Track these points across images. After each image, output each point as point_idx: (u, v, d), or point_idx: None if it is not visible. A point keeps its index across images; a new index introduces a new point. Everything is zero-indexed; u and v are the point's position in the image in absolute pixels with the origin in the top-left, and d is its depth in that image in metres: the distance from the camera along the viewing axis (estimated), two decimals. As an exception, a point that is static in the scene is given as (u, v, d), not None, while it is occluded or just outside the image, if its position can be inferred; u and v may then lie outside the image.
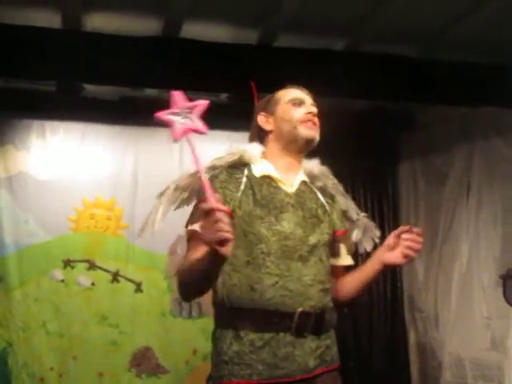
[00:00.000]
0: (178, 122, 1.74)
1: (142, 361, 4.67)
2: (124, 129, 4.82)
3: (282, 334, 1.96)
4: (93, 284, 4.66)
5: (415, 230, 2.04)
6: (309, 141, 2.14)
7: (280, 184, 2.10)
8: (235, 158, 2.12)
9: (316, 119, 2.17)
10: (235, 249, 1.93)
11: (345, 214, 2.30)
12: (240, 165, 2.13)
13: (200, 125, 1.76)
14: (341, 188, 2.32)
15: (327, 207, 2.18)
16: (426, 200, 5.09)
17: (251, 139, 2.22)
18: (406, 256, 2.03)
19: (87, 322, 4.60)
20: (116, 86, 4.12)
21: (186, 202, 2.14)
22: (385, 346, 5.06)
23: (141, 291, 4.74)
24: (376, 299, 5.09)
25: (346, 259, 2.24)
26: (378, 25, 3.60)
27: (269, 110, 2.20)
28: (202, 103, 1.78)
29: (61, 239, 4.65)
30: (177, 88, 4.28)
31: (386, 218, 5.24)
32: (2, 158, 4.60)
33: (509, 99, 3.89)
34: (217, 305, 2.07)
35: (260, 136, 2.20)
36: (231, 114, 4.31)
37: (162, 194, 2.13)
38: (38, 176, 4.67)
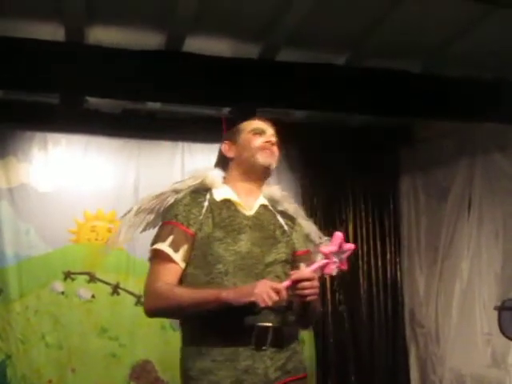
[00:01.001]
0: (335, 259, 2.08)
1: (142, 374, 4.65)
2: (126, 141, 4.83)
3: (241, 349, 2.05)
4: (93, 296, 4.65)
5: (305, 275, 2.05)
6: (265, 168, 2.27)
7: (239, 207, 2.23)
8: (197, 182, 2.28)
9: (275, 148, 2.31)
10: (196, 269, 2.13)
11: (307, 237, 2.45)
12: (202, 189, 2.27)
13: (346, 265, 2.13)
14: (302, 212, 2.51)
15: (286, 228, 2.31)
16: (427, 215, 5.09)
17: (216, 166, 2.38)
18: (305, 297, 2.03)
19: (87, 334, 4.58)
20: (118, 99, 4.14)
21: (151, 224, 2.32)
22: (386, 360, 5.04)
23: (141, 304, 4.69)
24: (377, 313, 5.09)
25: None
26: (379, 40, 3.62)
27: (232, 139, 2.35)
28: (352, 248, 2.14)
29: (61, 251, 4.64)
30: (178, 101, 4.30)
31: (388, 233, 5.24)
32: (4, 169, 4.60)
33: (510, 115, 3.91)
34: (182, 323, 2.20)
35: (223, 163, 2.35)
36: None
37: (125, 215, 2.29)
38: (39, 188, 4.67)
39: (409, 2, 3.25)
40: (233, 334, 2.03)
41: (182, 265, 2.13)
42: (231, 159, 2.32)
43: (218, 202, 2.22)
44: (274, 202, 2.36)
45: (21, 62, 3.40)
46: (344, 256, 2.13)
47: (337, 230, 4.90)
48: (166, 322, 4.72)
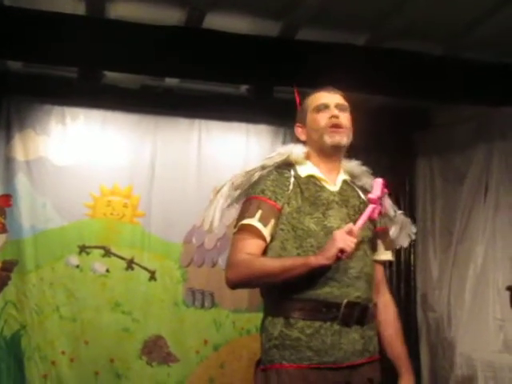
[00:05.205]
0: (378, 205, 2.17)
1: (153, 349, 4.69)
2: (143, 117, 4.82)
3: (329, 323, 2.11)
4: (107, 271, 4.67)
5: None
6: (334, 146, 2.26)
7: (324, 183, 2.26)
8: (283, 158, 2.29)
9: (339, 120, 2.27)
10: (284, 242, 2.17)
11: (385, 214, 2.41)
12: (286, 165, 2.29)
13: (387, 206, 2.31)
14: None
15: None
16: (442, 199, 5.05)
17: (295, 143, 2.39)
18: None
19: (100, 308, 4.62)
20: (137, 74, 4.13)
21: (236, 200, 2.32)
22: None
23: (154, 279, 4.76)
24: (389, 296, 5.07)
25: (384, 254, 2.38)
26: (401, 21, 3.58)
27: (302, 120, 2.36)
28: (386, 191, 2.23)
29: (77, 225, 4.66)
30: (196, 77, 4.28)
31: (402, 216, 5.20)
32: (22, 142, 4.62)
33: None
34: (268, 295, 2.24)
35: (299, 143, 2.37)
36: (250, 106, 4.32)
37: (218, 190, 2.30)
38: (56, 161, 4.69)
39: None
40: (321, 308, 2.10)
41: (268, 239, 2.17)
42: (305, 142, 2.34)
43: (303, 177, 2.25)
44: (353, 177, 2.39)
45: (40, 35, 3.40)
46: (383, 200, 2.22)
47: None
48: (179, 298, 4.77)
